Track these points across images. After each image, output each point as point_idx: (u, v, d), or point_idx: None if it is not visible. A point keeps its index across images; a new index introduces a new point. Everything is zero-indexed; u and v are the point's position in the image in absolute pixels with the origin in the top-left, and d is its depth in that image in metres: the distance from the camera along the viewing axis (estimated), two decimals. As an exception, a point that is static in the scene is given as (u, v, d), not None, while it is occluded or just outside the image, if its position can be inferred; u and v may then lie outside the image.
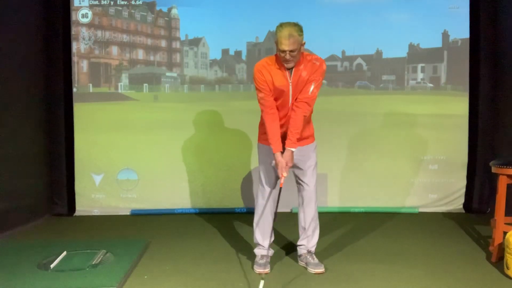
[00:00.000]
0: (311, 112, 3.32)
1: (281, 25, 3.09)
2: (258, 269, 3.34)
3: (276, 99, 3.24)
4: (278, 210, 3.40)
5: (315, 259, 3.41)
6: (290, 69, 3.18)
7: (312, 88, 3.18)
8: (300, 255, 3.49)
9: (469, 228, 4.42)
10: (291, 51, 3.05)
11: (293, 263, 3.52)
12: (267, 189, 3.40)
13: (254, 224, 3.48)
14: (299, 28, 3.10)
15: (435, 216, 4.96)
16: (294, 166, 3.38)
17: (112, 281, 3.10)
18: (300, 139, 3.31)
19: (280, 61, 3.15)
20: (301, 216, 3.46)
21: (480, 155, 5.05)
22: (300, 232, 3.49)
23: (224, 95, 5.31)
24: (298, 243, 3.50)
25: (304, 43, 3.14)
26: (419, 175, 5.19)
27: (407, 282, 3.14)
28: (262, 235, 3.45)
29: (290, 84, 3.19)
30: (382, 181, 5.18)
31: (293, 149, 3.20)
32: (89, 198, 5.25)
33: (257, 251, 3.48)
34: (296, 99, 3.21)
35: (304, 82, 3.18)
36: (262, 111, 3.26)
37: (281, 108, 3.25)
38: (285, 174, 3.18)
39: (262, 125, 3.38)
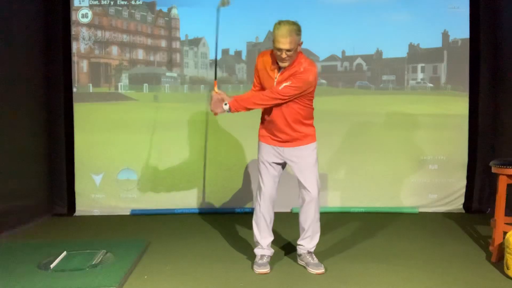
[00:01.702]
0: (270, 106, 3.19)
1: (279, 23, 3.06)
2: (258, 269, 3.34)
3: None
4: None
5: (315, 259, 3.40)
6: (281, 68, 3.17)
7: (284, 84, 3.09)
8: (300, 255, 3.48)
9: (469, 228, 4.42)
10: (287, 50, 3.03)
11: (293, 263, 3.52)
12: (266, 188, 3.38)
13: (253, 223, 3.47)
14: (297, 27, 3.07)
15: (435, 216, 4.96)
16: (293, 168, 3.37)
17: (112, 281, 3.10)
18: (297, 139, 3.30)
19: (275, 57, 3.15)
20: (301, 218, 3.42)
21: (480, 155, 5.05)
22: (300, 232, 3.47)
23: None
24: (298, 242, 3.49)
25: (301, 43, 3.13)
26: (419, 175, 5.19)
27: (407, 282, 3.13)
28: (261, 234, 3.44)
29: (275, 82, 3.18)
30: (382, 181, 5.18)
31: (226, 105, 3.18)
32: (89, 198, 5.25)
33: (257, 250, 3.47)
34: None
35: None
36: None
37: None
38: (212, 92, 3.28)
39: (262, 123, 3.39)
